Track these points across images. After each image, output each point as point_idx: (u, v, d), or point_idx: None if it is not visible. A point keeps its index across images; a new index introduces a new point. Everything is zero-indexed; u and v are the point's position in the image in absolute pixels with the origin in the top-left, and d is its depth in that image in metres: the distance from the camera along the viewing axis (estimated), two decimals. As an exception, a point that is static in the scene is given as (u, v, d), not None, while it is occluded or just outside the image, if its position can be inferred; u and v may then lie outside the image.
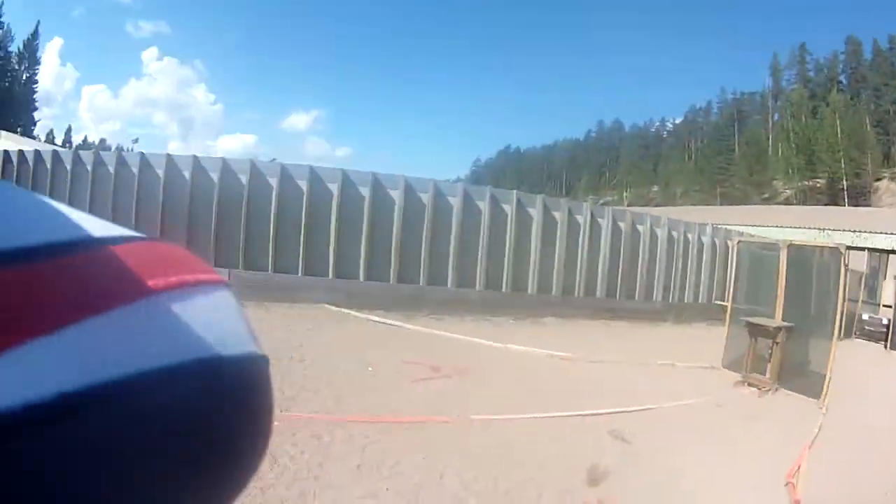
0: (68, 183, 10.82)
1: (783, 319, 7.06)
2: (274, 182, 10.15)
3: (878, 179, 55.65)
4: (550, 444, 4.72)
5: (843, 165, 51.39)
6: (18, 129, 21.51)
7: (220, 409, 0.23)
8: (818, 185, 53.44)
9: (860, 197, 54.18)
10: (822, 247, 7.90)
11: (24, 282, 0.18)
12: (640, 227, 12.08)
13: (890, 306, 13.57)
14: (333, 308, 9.47)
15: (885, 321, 13.20)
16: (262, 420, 0.25)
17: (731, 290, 8.55)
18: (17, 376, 0.17)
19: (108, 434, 0.18)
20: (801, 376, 6.70)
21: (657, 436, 4.98)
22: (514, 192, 11.09)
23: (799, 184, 52.79)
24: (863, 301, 14.55)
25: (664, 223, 12.42)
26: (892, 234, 16.09)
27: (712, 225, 13.51)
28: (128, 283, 0.22)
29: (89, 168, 10.68)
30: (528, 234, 10.93)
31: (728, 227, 14.96)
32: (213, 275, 0.26)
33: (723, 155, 53.25)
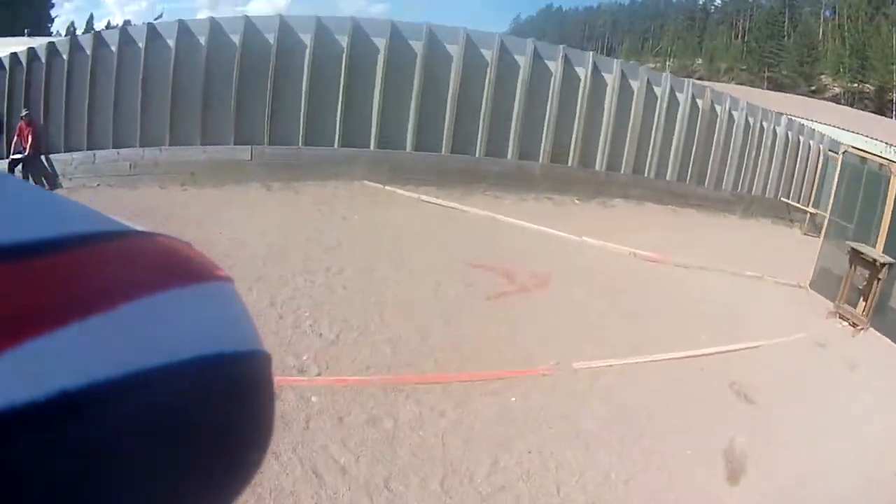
0: (64, 77, 8.57)
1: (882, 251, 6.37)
2: (307, 39, 8.72)
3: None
4: (674, 409, 4.03)
5: (895, 78, 48.49)
6: (26, 31, 18.92)
7: (221, 407, 0.23)
8: (867, 90, 50.43)
9: (909, 113, 51.06)
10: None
11: (26, 278, 0.18)
12: (717, 108, 10.68)
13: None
14: (375, 185, 8.49)
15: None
16: (264, 418, 0.25)
17: (830, 202, 7.68)
18: (18, 374, 0.16)
19: (110, 432, 0.18)
20: (887, 315, 6.08)
21: (776, 392, 4.51)
22: (590, 53, 9.64)
23: (848, 84, 50.12)
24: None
25: (742, 107, 10.98)
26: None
27: (788, 116, 12.06)
28: (130, 280, 0.21)
29: (89, 52, 8.56)
30: (602, 102, 9.60)
31: (802, 120, 13.42)
32: (217, 271, 0.25)
33: (774, 40, 50.13)
